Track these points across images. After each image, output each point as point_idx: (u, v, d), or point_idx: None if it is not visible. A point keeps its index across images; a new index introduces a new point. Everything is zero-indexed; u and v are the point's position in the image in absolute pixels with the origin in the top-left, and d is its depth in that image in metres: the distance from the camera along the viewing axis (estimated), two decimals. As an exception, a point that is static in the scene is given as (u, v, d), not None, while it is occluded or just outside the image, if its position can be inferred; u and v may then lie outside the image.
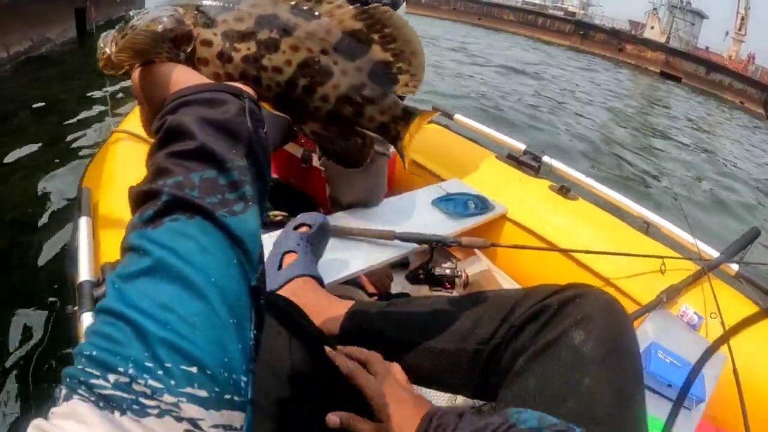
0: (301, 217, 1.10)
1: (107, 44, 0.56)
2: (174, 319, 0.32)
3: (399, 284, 1.37)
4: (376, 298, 1.32)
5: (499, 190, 1.63)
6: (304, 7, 0.54)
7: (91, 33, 6.04)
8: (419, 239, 1.27)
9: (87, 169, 1.61)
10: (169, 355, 0.31)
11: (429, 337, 0.74)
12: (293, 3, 0.54)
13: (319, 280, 0.96)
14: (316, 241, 1.06)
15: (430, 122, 2.06)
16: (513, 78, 7.45)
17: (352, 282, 1.30)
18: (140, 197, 0.39)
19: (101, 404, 0.29)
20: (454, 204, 1.49)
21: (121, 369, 0.30)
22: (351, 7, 0.54)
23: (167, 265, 0.34)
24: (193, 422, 0.30)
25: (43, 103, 3.75)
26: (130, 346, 0.31)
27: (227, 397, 0.32)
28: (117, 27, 0.56)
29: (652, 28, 28.04)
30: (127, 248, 0.36)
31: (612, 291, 1.34)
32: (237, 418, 0.32)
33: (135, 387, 0.30)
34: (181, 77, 0.48)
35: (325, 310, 0.85)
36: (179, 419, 0.30)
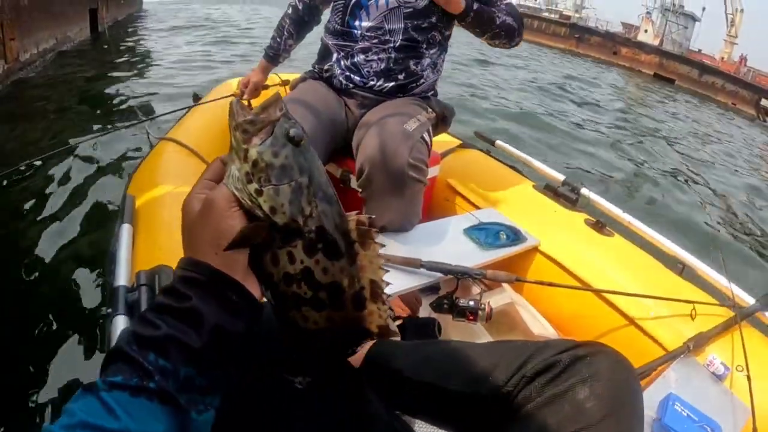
0: None
1: (237, 116, 0.50)
2: None
3: (427, 309, 1.41)
4: (401, 321, 1.36)
5: (534, 221, 1.64)
6: None
7: (103, 32, 6.14)
8: (445, 269, 1.30)
9: (132, 176, 1.68)
10: None
11: (445, 379, 0.78)
12: None
13: None
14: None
15: (472, 148, 2.06)
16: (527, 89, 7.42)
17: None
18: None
19: None
20: (485, 234, 1.51)
21: None
22: None
23: None
24: None
25: (77, 102, 3.85)
26: None
27: None
28: (248, 120, 0.50)
29: (646, 31, 27.63)
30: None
31: (638, 334, 1.34)
32: None
33: None
34: (234, 267, 0.50)
35: None
36: None
